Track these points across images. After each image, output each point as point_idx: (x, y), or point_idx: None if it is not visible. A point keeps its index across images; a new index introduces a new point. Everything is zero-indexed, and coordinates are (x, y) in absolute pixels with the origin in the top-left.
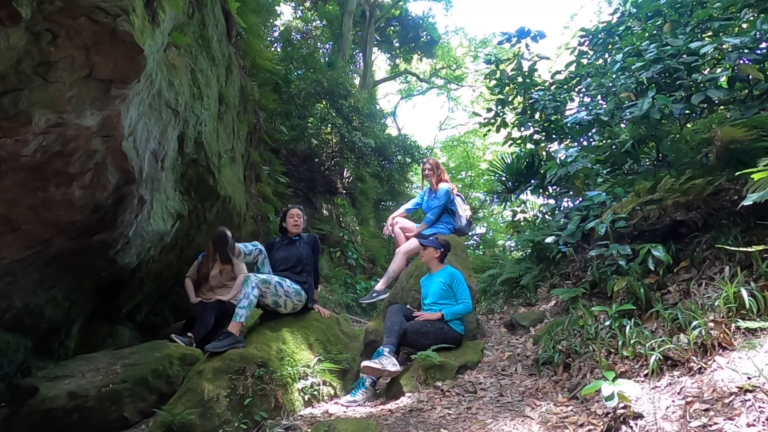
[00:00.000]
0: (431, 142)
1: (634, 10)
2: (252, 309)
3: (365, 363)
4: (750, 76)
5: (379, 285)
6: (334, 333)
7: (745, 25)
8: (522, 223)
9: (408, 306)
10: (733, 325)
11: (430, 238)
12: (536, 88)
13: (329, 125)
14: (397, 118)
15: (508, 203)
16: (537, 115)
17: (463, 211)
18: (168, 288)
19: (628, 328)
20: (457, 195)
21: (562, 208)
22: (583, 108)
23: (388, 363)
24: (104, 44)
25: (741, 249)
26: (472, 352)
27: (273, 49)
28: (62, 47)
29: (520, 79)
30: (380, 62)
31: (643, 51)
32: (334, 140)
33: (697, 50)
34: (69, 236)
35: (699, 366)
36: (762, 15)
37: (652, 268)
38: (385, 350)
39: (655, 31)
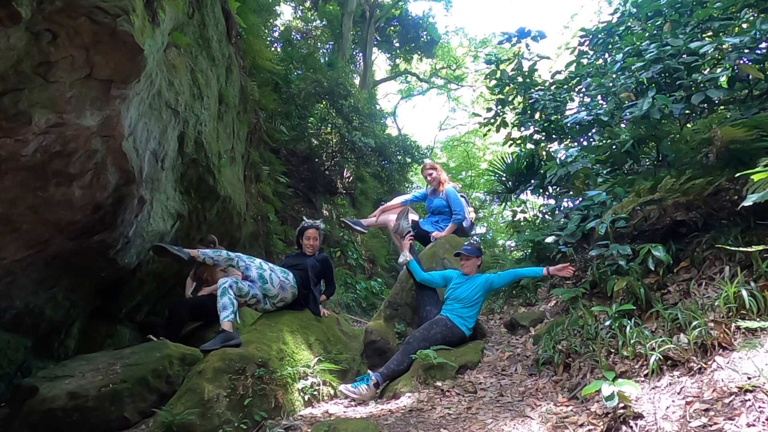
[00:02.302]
0: (431, 142)
1: (634, 10)
2: (236, 306)
3: (342, 387)
4: (750, 76)
5: (365, 221)
6: (334, 333)
7: (745, 25)
8: (522, 223)
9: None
10: (733, 325)
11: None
12: (536, 88)
13: (329, 125)
14: (397, 118)
15: (508, 203)
16: (537, 115)
17: (467, 212)
18: (168, 288)
19: (628, 328)
20: (462, 196)
21: (562, 208)
22: (583, 108)
23: (366, 393)
24: (104, 44)
25: (741, 249)
26: (472, 352)
27: (273, 49)
28: (62, 47)
29: (520, 79)
30: (380, 62)
31: (643, 51)
32: (334, 140)
33: (697, 50)
34: (69, 236)
35: (699, 366)
36: (762, 15)
37: (652, 268)
38: (372, 380)
39: (655, 31)
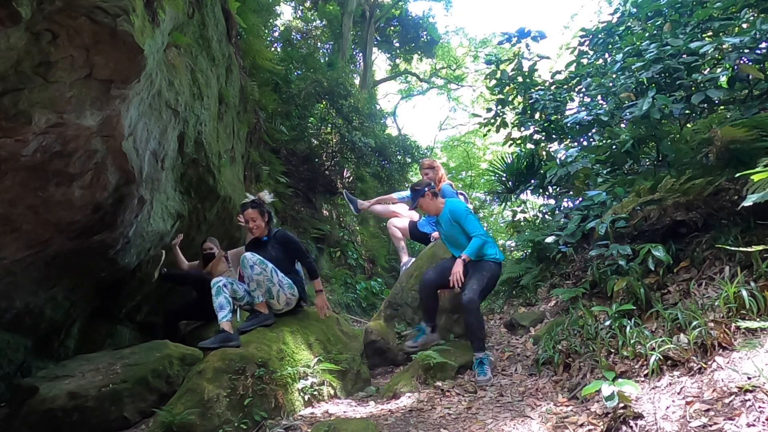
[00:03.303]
0: (431, 142)
1: (634, 10)
2: (232, 305)
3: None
4: (750, 76)
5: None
6: (334, 333)
7: (745, 25)
8: (522, 223)
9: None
10: (733, 325)
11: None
12: (536, 88)
13: (329, 125)
14: (397, 118)
15: (508, 203)
16: (537, 115)
17: None
18: (168, 288)
19: (628, 328)
20: (460, 194)
21: (562, 208)
22: (583, 108)
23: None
24: (104, 44)
25: (741, 249)
26: (472, 352)
27: (273, 49)
28: (62, 47)
29: (520, 79)
30: (380, 62)
31: (643, 51)
32: (334, 140)
33: (697, 50)
34: (69, 236)
35: (699, 366)
36: (762, 15)
37: (652, 268)
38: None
39: (655, 31)
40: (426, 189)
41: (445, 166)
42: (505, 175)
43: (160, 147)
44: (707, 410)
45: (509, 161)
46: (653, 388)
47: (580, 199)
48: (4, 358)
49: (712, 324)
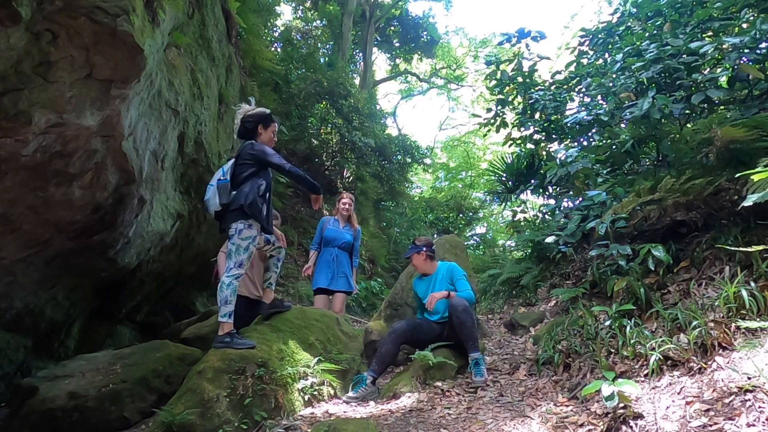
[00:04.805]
0: (431, 142)
1: (634, 10)
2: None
3: (345, 397)
4: (750, 76)
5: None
6: (334, 333)
7: (745, 25)
8: (522, 223)
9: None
10: (733, 325)
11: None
12: (536, 88)
13: (329, 125)
14: (397, 118)
15: (508, 203)
16: (537, 115)
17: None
18: (168, 288)
19: (628, 328)
20: None
21: (562, 208)
22: (583, 108)
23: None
24: (104, 44)
25: (741, 249)
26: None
27: (273, 49)
28: (62, 47)
29: (520, 79)
30: (380, 62)
31: (643, 51)
32: (334, 140)
33: (697, 50)
34: (69, 236)
35: (699, 366)
36: (762, 15)
37: (652, 268)
38: (368, 379)
39: (655, 31)
40: (424, 248)
41: (445, 166)
42: (505, 175)
43: (160, 147)
44: (707, 410)
45: (509, 161)
46: (653, 388)
47: (580, 199)
48: (4, 358)
49: (712, 324)
